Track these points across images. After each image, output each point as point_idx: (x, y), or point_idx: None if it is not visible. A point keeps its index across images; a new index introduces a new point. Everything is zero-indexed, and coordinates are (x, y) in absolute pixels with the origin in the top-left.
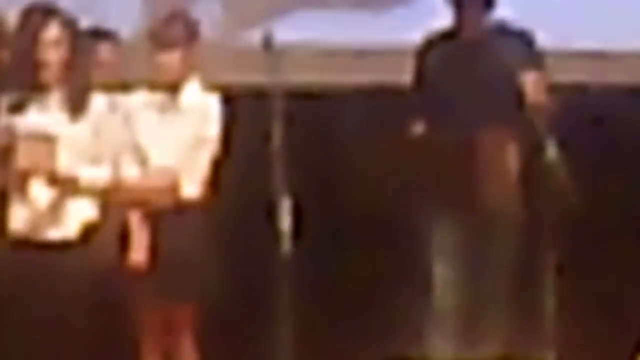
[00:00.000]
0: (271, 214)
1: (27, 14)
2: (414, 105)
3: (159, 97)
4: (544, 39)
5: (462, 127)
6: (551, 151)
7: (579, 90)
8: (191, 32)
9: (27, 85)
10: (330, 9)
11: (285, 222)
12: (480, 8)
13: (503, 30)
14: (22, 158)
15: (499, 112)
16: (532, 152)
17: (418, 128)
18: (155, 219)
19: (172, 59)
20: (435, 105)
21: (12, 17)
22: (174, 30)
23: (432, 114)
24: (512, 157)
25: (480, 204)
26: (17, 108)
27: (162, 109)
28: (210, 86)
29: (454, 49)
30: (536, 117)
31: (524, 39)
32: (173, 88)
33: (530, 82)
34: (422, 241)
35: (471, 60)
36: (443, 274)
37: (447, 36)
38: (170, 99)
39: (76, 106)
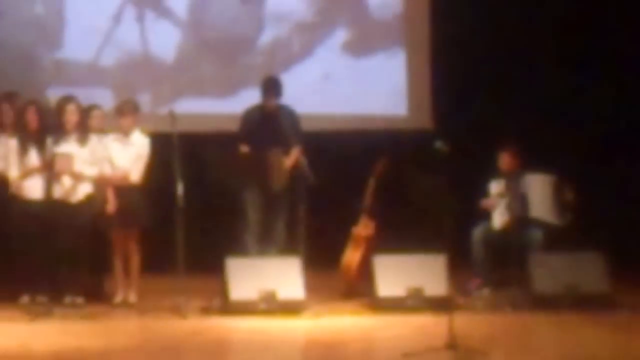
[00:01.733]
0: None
1: (60, 101)
2: (242, 139)
3: (121, 137)
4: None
5: (265, 150)
6: (302, 159)
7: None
8: (136, 108)
9: (60, 131)
10: (204, 96)
11: (180, 189)
12: (275, 96)
13: (284, 107)
14: (58, 165)
15: (284, 143)
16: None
17: (244, 148)
18: (119, 191)
19: (126, 121)
20: (252, 140)
21: (52, 101)
22: (127, 107)
23: (251, 145)
24: (285, 165)
25: (271, 185)
26: (56, 142)
27: (123, 143)
28: (146, 133)
29: (262, 114)
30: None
31: (293, 114)
32: (127, 133)
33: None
34: (243, 201)
35: (271, 120)
36: (253, 215)
37: (258, 108)
38: (126, 138)
39: (82, 141)
